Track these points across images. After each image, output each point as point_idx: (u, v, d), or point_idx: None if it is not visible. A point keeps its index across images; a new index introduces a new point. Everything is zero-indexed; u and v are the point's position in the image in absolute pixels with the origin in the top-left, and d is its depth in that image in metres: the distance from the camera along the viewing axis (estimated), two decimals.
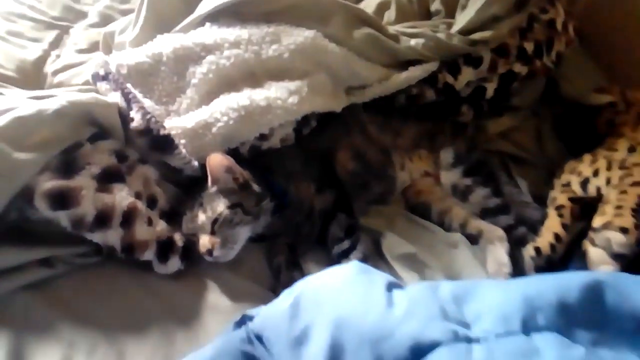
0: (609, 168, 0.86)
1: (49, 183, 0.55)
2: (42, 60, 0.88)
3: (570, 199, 0.86)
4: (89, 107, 0.60)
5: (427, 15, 1.05)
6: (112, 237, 0.59)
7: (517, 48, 1.00)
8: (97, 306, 0.59)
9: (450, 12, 1.02)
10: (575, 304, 0.54)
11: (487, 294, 0.55)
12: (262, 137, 0.72)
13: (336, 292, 0.54)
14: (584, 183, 0.86)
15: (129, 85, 0.68)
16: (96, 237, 0.58)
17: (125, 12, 1.06)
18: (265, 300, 0.59)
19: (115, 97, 0.66)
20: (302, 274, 0.68)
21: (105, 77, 0.68)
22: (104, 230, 0.58)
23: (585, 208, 0.85)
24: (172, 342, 0.61)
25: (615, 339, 0.54)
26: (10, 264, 0.57)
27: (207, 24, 0.74)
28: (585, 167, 0.89)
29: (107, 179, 0.59)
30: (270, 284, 0.67)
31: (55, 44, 0.92)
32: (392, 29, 0.94)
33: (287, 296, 0.57)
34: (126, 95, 0.68)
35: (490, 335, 0.50)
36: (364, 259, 0.68)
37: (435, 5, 1.02)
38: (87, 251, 0.60)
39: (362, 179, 0.81)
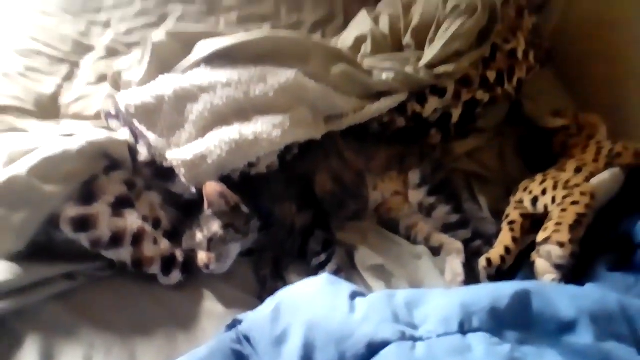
0: (554, 187, 0.97)
1: (72, 210, 0.67)
2: (57, 93, 0.98)
3: (522, 215, 0.97)
4: (104, 145, 0.72)
5: (400, 47, 1.16)
6: (124, 254, 0.70)
7: (480, 77, 1.12)
8: (111, 312, 0.70)
9: (420, 45, 1.13)
10: (505, 309, 0.66)
11: (434, 300, 0.67)
12: (251, 165, 0.84)
13: (309, 300, 0.66)
14: (534, 201, 0.98)
15: (135, 122, 0.80)
16: (110, 254, 0.69)
17: (129, 45, 1.17)
18: (253, 306, 0.70)
19: (125, 133, 0.78)
20: (285, 283, 0.79)
21: (115, 116, 0.80)
22: (117, 248, 0.69)
23: (535, 223, 0.97)
24: (175, 343, 0.71)
25: (539, 338, 0.66)
26: (39, 278, 0.67)
27: (202, 66, 0.86)
28: (535, 186, 1.01)
29: (120, 205, 0.71)
30: (257, 292, 0.79)
31: (68, 77, 1.03)
32: (366, 63, 1.06)
33: (269, 303, 0.68)
34: (134, 131, 0.79)
35: (433, 335, 0.62)
36: (338, 271, 0.79)
37: (407, 40, 1.14)
38: (103, 266, 0.71)
39: (338, 198, 0.93)
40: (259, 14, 1.38)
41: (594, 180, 0.99)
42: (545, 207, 0.96)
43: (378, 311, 0.62)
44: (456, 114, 1.10)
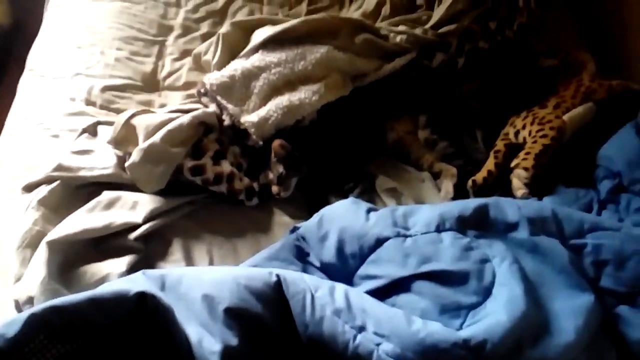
0: (532, 123, 1.23)
1: (189, 162, 1.05)
2: (154, 70, 1.32)
3: (506, 145, 1.25)
4: (202, 117, 1.08)
5: (414, 7, 1.39)
6: (222, 188, 1.06)
7: (482, 28, 1.34)
8: (219, 223, 1.04)
9: (430, 4, 1.36)
10: (469, 216, 0.97)
11: (422, 212, 1.00)
12: (298, 121, 1.18)
13: (340, 214, 1.00)
14: (516, 133, 1.25)
15: (218, 97, 1.15)
16: (215, 188, 1.06)
17: (197, 21, 1.47)
18: (306, 218, 1.01)
19: (213, 107, 1.13)
20: (327, 203, 1.16)
21: (204, 93, 1.15)
22: (218, 185, 1.06)
23: (516, 152, 1.25)
24: (259, 242, 1.03)
25: (492, 235, 0.95)
26: (173, 205, 1.05)
27: (260, 51, 1.17)
28: (519, 121, 1.27)
29: (217, 157, 1.08)
30: (307, 209, 1.12)
31: (159, 56, 1.36)
32: (384, 27, 1.31)
33: (316, 216, 1.04)
34: (218, 103, 1.14)
35: (418, 233, 0.96)
36: (361, 193, 1.15)
37: (420, 1, 1.37)
38: (211, 195, 1.07)
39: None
40: None
41: (568, 115, 1.24)
42: (524, 138, 1.24)
43: (384, 219, 0.97)
44: (460, 62, 1.35)
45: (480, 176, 1.19)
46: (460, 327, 0.81)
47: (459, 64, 1.35)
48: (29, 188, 0.99)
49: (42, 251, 0.86)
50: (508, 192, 1.19)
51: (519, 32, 1.40)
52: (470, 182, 1.18)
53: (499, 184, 1.21)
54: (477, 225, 0.97)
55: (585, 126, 1.25)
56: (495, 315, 0.80)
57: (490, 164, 1.21)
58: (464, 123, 1.35)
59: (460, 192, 1.18)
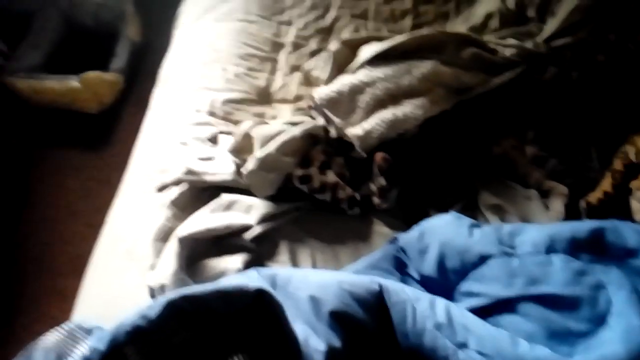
0: None
1: (298, 171, 1.12)
2: (267, 85, 1.43)
3: (625, 165, 1.17)
4: (311, 130, 1.15)
5: (525, 19, 1.35)
6: (327, 196, 1.12)
7: (600, 40, 1.26)
8: (322, 229, 1.07)
9: (541, 16, 1.31)
10: (583, 239, 0.93)
11: (529, 231, 0.97)
12: (400, 134, 1.20)
13: (442, 228, 1.01)
14: (637, 153, 1.16)
15: (325, 110, 1.21)
16: (320, 196, 1.11)
17: (306, 38, 1.56)
18: (404, 230, 1.04)
19: (321, 119, 1.20)
20: (428, 216, 1.17)
21: (314, 107, 1.22)
22: (323, 193, 1.11)
23: (635, 172, 1.16)
24: (358, 250, 1.06)
25: (608, 261, 0.91)
26: (282, 210, 1.09)
27: (366, 67, 1.22)
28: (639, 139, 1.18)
29: (323, 167, 1.14)
30: (406, 221, 1.15)
31: (272, 71, 1.46)
32: (492, 40, 1.29)
33: (416, 229, 1.06)
34: (325, 117, 1.21)
35: (526, 253, 0.94)
36: (464, 209, 1.14)
37: (530, 13, 1.32)
38: (316, 203, 1.13)
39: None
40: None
41: None
42: None
43: (488, 236, 0.96)
44: (575, 75, 1.28)
45: (595, 197, 1.13)
46: (569, 355, 0.78)
47: (574, 78, 1.28)
48: (162, 189, 1.13)
49: (173, 245, 0.98)
50: (625, 215, 1.11)
51: None
52: (583, 203, 1.13)
53: (615, 207, 1.13)
54: (592, 249, 0.93)
55: None
56: (610, 346, 0.76)
57: (606, 185, 1.14)
58: (577, 140, 1.28)
59: (570, 213, 1.13)
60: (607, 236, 0.93)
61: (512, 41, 1.25)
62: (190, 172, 1.12)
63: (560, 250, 0.92)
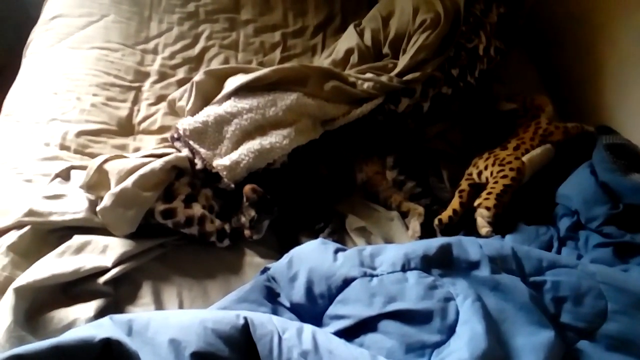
0: (493, 164, 1.30)
1: (160, 206, 1.06)
2: (130, 115, 1.35)
3: (470, 185, 1.31)
4: (174, 162, 1.10)
5: (381, 55, 1.47)
6: (194, 230, 1.07)
7: (445, 75, 1.42)
8: (190, 265, 1.05)
9: (396, 54, 1.44)
10: (433, 255, 1.00)
11: (388, 252, 1.02)
12: (269, 164, 1.21)
13: (309, 254, 1.02)
14: (479, 174, 1.31)
15: (190, 141, 1.18)
16: (186, 231, 1.07)
17: (173, 67, 1.52)
18: (276, 259, 1.04)
19: (185, 151, 1.16)
20: (297, 243, 1.18)
21: (177, 138, 1.18)
22: (189, 227, 1.07)
23: (479, 191, 1.31)
24: (229, 283, 1.04)
25: (455, 273, 0.98)
26: (144, 248, 1.06)
27: (232, 98, 1.22)
28: (482, 162, 1.33)
29: (188, 200, 1.10)
30: (278, 249, 1.16)
31: (135, 101, 1.39)
32: (352, 74, 1.38)
33: (286, 256, 1.06)
34: (190, 148, 1.17)
35: (384, 272, 0.99)
36: (332, 233, 1.18)
37: (386, 50, 1.45)
38: (182, 238, 1.08)
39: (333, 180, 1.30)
40: (271, 24, 1.70)
41: (527, 156, 1.31)
42: (486, 179, 1.29)
43: (351, 260, 1.00)
44: (425, 106, 1.42)
45: (446, 215, 1.24)
46: None
47: (424, 108, 1.41)
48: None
49: (8, 298, 0.85)
50: (474, 230, 1.23)
51: (480, 78, 1.49)
52: (436, 221, 1.23)
53: (465, 222, 1.25)
54: (441, 264, 1.00)
55: (544, 166, 1.31)
56: (458, 354, 0.82)
57: (455, 203, 1.26)
58: (429, 164, 1.40)
59: (427, 231, 1.22)
60: (454, 251, 1.02)
61: (369, 75, 1.35)
62: (32, 212, 1.00)
63: (414, 267, 0.98)
